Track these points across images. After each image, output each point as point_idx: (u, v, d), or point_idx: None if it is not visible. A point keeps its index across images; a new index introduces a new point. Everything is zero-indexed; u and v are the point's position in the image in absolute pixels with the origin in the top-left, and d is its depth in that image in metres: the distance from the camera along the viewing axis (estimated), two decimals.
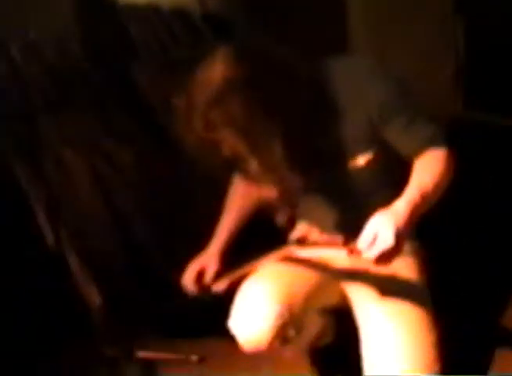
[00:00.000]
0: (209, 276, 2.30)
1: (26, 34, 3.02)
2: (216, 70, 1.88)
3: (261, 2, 3.36)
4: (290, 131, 1.91)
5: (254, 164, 1.95)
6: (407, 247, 2.06)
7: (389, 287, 2.08)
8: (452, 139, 2.00)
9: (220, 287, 2.24)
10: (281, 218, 2.15)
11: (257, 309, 2.02)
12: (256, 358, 2.14)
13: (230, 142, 1.91)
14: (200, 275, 2.32)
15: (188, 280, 2.32)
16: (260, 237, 2.27)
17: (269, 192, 2.12)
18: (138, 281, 2.94)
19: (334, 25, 3.57)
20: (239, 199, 2.39)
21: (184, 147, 1.98)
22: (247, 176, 2.18)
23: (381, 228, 1.75)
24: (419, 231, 2.18)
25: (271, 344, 2.02)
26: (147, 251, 2.95)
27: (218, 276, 2.28)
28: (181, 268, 2.43)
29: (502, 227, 2.83)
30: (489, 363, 2.38)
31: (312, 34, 3.38)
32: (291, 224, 2.30)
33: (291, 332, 2.05)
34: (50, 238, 2.72)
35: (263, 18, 3.27)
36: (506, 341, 2.48)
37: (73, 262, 2.72)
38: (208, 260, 2.33)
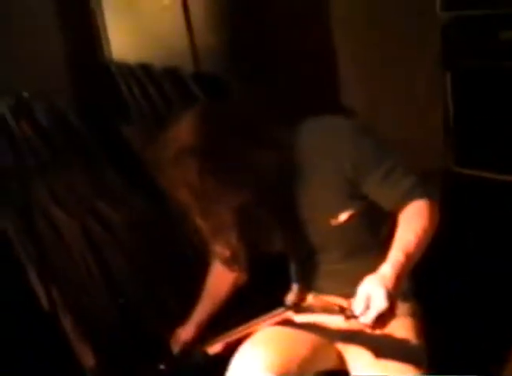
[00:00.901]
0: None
1: (17, 92, 3.04)
2: (180, 131, 1.94)
3: (253, 62, 3.39)
4: (248, 197, 1.95)
5: (203, 227, 2.01)
6: (404, 307, 2.08)
7: (385, 348, 2.07)
8: (444, 194, 2.00)
9: (215, 349, 2.22)
10: (239, 280, 2.25)
11: None
12: None
13: (185, 202, 1.95)
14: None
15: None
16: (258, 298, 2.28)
17: (222, 250, 2.15)
18: (132, 341, 2.92)
19: (326, 79, 3.61)
20: (217, 283, 2.43)
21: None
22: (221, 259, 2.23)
23: (373, 292, 1.75)
24: (415, 290, 2.19)
25: None
26: (139, 309, 2.93)
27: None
28: (173, 327, 2.48)
29: (497, 282, 2.82)
30: None
31: (305, 89, 3.41)
32: (286, 286, 2.32)
33: None
34: (43, 297, 2.71)
35: (255, 77, 3.30)
36: None
37: (67, 321, 2.70)
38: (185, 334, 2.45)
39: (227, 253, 2.14)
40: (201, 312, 2.45)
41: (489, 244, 3.00)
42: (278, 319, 2.09)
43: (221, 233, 2.04)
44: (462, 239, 2.94)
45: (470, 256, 2.93)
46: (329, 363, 2.20)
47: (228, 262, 2.18)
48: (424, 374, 2.05)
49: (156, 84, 3.21)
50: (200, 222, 2.00)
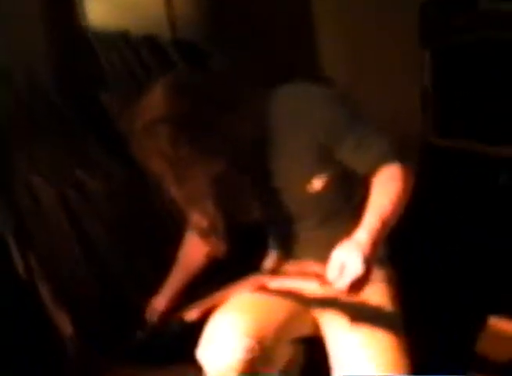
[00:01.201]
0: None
1: None
2: (153, 101, 1.93)
3: (233, 30, 3.38)
4: (223, 166, 1.95)
5: (178, 196, 2.00)
6: (379, 273, 2.08)
7: (360, 314, 2.08)
8: (422, 163, 2.00)
9: (192, 315, 2.23)
10: (216, 250, 2.21)
11: (226, 342, 1.99)
12: None
13: (159, 171, 1.96)
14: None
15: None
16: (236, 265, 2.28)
17: (199, 220, 2.14)
18: (109, 309, 2.92)
19: (306, 47, 3.60)
20: (190, 254, 2.44)
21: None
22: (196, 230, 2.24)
23: (348, 258, 1.75)
24: (391, 257, 2.20)
25: None
26: (118, 279, 2.92)
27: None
28: (151, 296, 2.49)
29: (475, 253, 2.84)
30: None
31: (285, 58, 3.40)
32: (264, 252, 2.32)
33: (260, 365, 2.02)
34: (20, 265, 2.70)
35: (234, 45, 3.28)
36: (479, 366, 2.48)
37: (44, 289, 2.70)
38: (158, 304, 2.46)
39: (204, 223, 2.14)
40: (174, 282, 2.46)
41: (465, 212, 3.02)
42: (254, 284, 2.09)
43: (196, 201, 2.04)
44: (438, 207, 2.96)
45: (446, 224, 2.95)
46: (305, 330, 2.21)
47: (206, 233, 2.18)
48: (401, 339, 2.06)
49: (135, 50, 3.19)
50: (174, 191, 1.99)
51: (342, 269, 1.75)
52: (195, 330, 2.12)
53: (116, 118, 3.04)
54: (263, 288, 2.12)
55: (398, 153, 1.95)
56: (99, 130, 3.07)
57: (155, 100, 1.93)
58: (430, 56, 3.58)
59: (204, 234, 2.20)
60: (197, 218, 2.17)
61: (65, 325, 2.69)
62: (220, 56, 3.07)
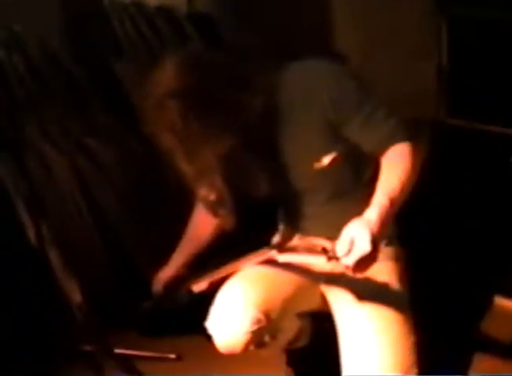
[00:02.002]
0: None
1: (10, 26, 3.00)
2: (165, 76, 1.93)
3: (247, 5, 3.37)
4: (232, 141, 1.95)
5: (188, 171, 2.00)
6: (387, 251, 2.09)
7: (368, 291, 2.09)
8: (435, 144, 2.00)
9: (200, 287, 2.24)
10: (225, 224, 2.21)
11: (234, 313, 2.01)
12: (233, 357, 2.13)
13: (169, 146, 1.96)
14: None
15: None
16: (242, 238, 2.29)
17: (207, 193, 2.15)
18: (119, 279, 2.93)
19: (320, 23, 3.59)
20: (199, 227, 2.43)
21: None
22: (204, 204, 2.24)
23: (357, 235, 1.77)
24: (400, 236, 2.21)
25: (246, 348, 2.02)
26: (128, 249, 2.94)
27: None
28: (160, 266, 2.49)
29: (483, 233, 2.84)
30: (468, 368, 2.39)
31: (296, 34, 3.39)
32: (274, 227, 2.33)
33: (267, 337, 2.05)
34: (31, 233, 2.71)
35: (249, 19, 3.28)
36: (484, 345, 2.50)
37: (55, 257, 2.71)
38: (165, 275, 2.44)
39: (212, 197, 2.15)
40: (181, 254, 2.45)
41: (475, 191, 3.01)
42: (262, 258, 2.10)
43: (205, 176, 2.04)
44: (448, 186, 2.96)
45: (456, 203, 2.95)
46: (312, 304, 2.23)
47: (214, 207, 2.19)
48: (407, 316, 2.07)
49: (149, 21, 3.19)
50: (184, 166, 2.00)
51: (351, 245, 1.77)
52: (204, 302, 2.13)
53: (129, 88, 3.04)
54: (272, 262, 2.13)
55: (407, 132, 1.96)
56: (112, 99, 3.08)
57: (167, 75, 1.93)
58: (446, 27, 3.56)
59: (212, 208, 2.21)
60: (205, 192, 2.17)
61: (74, 293, 2.69)
62: (233, 31, 3.07)
